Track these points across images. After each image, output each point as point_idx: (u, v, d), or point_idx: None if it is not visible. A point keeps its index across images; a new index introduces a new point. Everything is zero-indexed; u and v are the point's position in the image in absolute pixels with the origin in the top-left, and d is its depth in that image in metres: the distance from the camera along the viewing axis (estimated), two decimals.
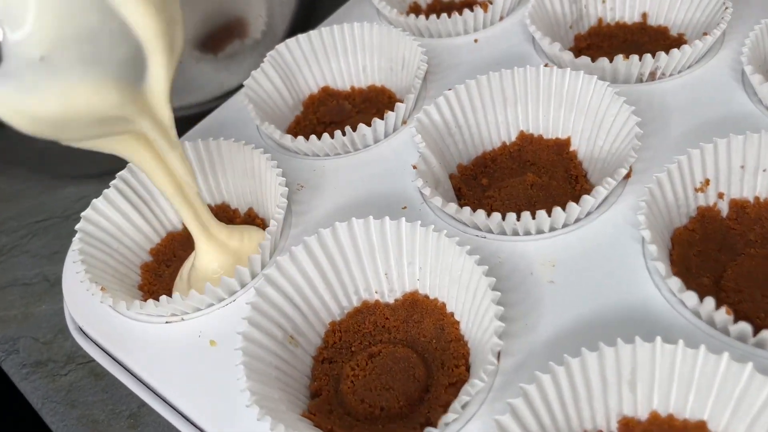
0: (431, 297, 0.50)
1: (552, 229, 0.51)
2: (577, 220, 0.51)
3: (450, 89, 0.60)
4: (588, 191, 0.55)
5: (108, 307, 0.52)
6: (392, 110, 0.60)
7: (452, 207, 0.50)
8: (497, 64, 0.66)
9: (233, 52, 0.75)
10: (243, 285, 0.52)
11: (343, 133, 0.59)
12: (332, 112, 0.70)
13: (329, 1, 0.79)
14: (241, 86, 0.65)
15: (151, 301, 0.49)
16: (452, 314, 0.49)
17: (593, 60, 0.60)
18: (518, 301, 0.47)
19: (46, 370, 0.63)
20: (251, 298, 0.46)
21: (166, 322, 0.51)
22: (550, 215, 0.49)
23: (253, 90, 0.65)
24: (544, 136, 0.61)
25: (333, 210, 0.56)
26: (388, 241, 0.50)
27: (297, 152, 0.62)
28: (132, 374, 0.49)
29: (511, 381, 0.42)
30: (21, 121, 0.28)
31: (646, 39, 0.68)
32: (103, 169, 0.56)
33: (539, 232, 0.51)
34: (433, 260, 0.49)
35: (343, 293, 0.51)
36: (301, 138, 0.59)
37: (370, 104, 0.70)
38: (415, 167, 0.53)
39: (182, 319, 0.51)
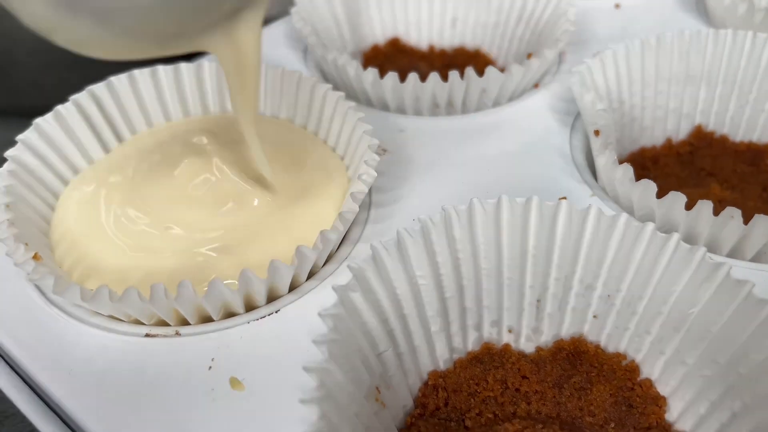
0: (609, 350, 0.30)
1: None
2: None
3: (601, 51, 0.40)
4: None
5: (38, 292, 0.29)
6: None
7: (678, 198, 0.30)
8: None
9: None
10: (297, 284, 0.30)
11: (462, 75, 0.38)
12: (402, 75, 0.49)
13: None
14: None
15: (132, 290, 0.26)
16: (651, 383, 0.28)
17: None
18: None
19: None
20: (330, 308, 0.24)
21: (147, 335, 0.28)
22: None
23: (307, 13, 0.44)
24: (731, 138, 0.42)
25: (439, 191, 0.35)
26: (556, 240, 0.29)
27: (371, 103, 0.41)
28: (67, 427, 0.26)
29: None
30: None
31: None
32: None
33: None
34: (639, 284, 0.28)
35: (458, 325, 0.30)
36: (392, 76, 0.38)
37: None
38: (597, 134, 0.33)
39: (177, 333, 0.27)
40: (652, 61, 0.40)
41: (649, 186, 0.30)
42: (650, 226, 0.28)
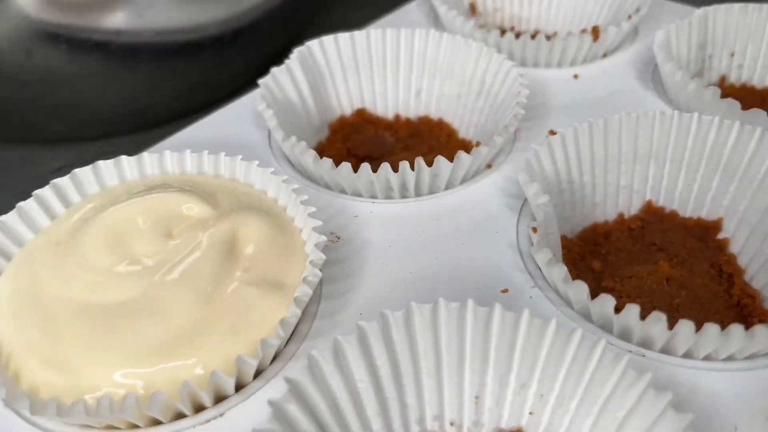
0: None
1: (730, 358, 0.32)
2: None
3: (554, 132, 0.42)
4: (754, 302, 0.38)
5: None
6: (451, 150, 0.41)
7: (607, 301, 0.31)
8: (603, 107, 0.48)
9: None
10: (244, 384, 0.31)
11: (412, 167, 0.39)
12: (368, 144, 0.51)
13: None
14: (254, 83, 0.45)
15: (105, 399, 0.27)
16: None
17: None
18: None
19: None
20: (265, 424, 0.25)
21: None
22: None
23: (272, 94, 0.46)
24: (681, 213, 0.43)
25: (388, 281, 0.36)
26: (491, 342, 0.30)
27: (329, 186, 0.42)
28: None
29: None
30: None
31: None
32: None
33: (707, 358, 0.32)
34: (571, 386, 0.29)
35: (401, 422, 0.31)
36: (346, 166, 0.39)
37: (420, 141, 0.51)
38: (535, 231, 0.34)
39: None
40: (601, 142, 0.41)
41: (582, 288, 0.32)
42: (578, 333, 0.29)
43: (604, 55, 0.54)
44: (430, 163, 0.40)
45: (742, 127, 0.40)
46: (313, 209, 0.35)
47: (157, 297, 0.31)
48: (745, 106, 0.45)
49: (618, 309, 0.31)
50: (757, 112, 0.42)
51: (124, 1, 0.49)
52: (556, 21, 0.62)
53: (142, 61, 0.53)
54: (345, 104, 0.52)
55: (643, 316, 0.31)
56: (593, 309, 0.32)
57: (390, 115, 0.53)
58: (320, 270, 0.33)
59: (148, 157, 0.40)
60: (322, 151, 0.50)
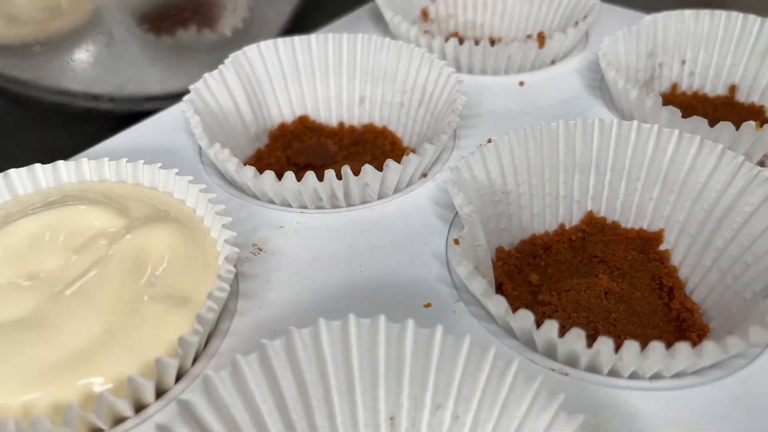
0: None
1: (656, 376, 0.31)
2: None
3: (490, 140, 0.41)
4: (693, 317, 0.36)
5: None
6: (394, 159, 0.39)
7: (526, 317, 0.30)
8: (548, 116, 0.47)
9: (189, 44, 0.54)
10: (138, 410, 0.29)
11: (339, 177, 0.38)
12: (309, 152, 0.49)
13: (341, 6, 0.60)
14: (187, 92, 0.44)
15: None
16: None
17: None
18: None
19: None
20: None
21: None
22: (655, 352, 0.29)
23: (202, 100, 0.44)
24: (622, 224, 0.42)
25: (307, 295, 0.34)
26: (405, 360, 0.28)
27: (256, 196, 0.41)
28: None
29: None
30: None
31: (736, 117, 0.52)
32: None
33: (633, 376, 0.31)
34: (486, 408, 0.28)
35: None
36: (269, 174, 0.38)
37: (363, 149, 0.50)
38: (457, 242, 0.32)
39: None
40: (538, 151, 0.40)
41: (501, 302, 0.30)
42: (492, 351, 0.27)
43: (553, 63, 0.53)
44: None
45: (681, 135, 0.39)
46: (229, 219, 0.34)
47: (50, 314, 0.29)
48: (697, 115, 0.44)
49: (539, 324, 0.30)
50: (698, 120, 0.41)
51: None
52: (510, 27, 0.61)
53: None
54: (286, 111, 0.50)
55: (581, 333, 0.30)
56: (514, 324, 0.31)
57: (334, 122, 0.51)
58: (230, 285, 0.31)
59: (64, 165, 0.38)
60: (260, 159, 0.48)
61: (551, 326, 0.29)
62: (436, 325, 0.28)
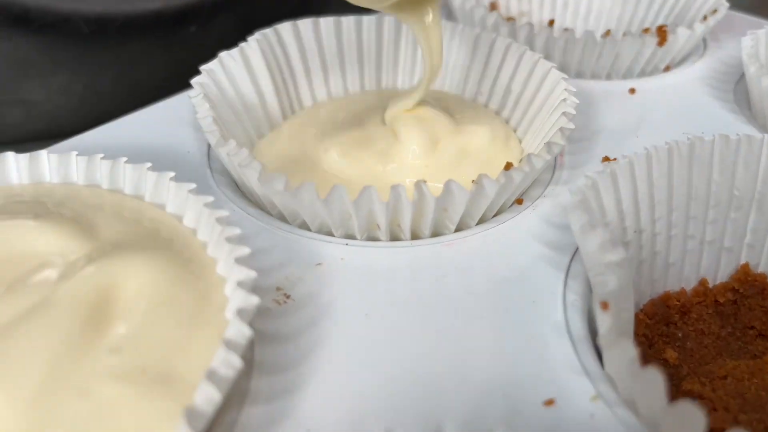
0: None
1: None
2: None
3: (607, 158, 0.29)
4: None
5: None
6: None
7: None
8: (674, 133, 0.35)
9: None
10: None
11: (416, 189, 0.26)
12: None
13: None
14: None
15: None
16: None
17: None
18: None
19: None
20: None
21: None
22: None
23: (216, 84, 0.33)
24: None
25: (358, 375, 0.22)
26: None
27: (284, 218, 0.29)
28: None
29: None
30: None
31: None
32: None
33: None
34: None
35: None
36: (309, 187, 0.26)
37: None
38: (606, 307, 0.20)
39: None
40: (684, 175, 0.28)
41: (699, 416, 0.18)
42: None
43: (667, 69, 0.41)
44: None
45: None
46: (246, 251, 0.22)
47: None
48: None
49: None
50: None
51: None
52: (595, 31, 0.50)
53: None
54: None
55: None
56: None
57: None
58: (244, 355, 0.19)
59: (13, 158, 0.27)
60: None
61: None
62: None
